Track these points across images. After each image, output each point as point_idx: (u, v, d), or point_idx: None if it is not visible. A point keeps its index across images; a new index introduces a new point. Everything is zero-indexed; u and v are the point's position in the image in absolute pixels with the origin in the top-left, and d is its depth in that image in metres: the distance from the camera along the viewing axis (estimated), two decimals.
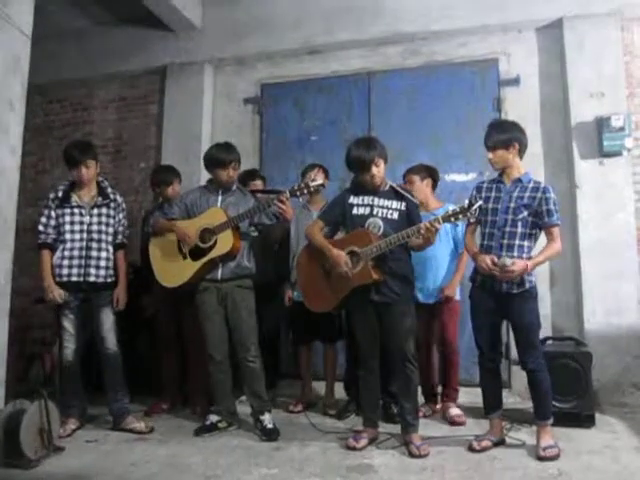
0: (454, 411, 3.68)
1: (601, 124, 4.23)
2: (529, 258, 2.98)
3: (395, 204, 3.19)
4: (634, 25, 4.52)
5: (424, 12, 4.77)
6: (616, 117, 4.18)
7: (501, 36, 4.76)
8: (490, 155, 3.09)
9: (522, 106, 4.52)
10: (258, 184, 4.23)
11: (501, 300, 3.02)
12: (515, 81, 4.68)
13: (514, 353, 3.52)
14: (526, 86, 4.66)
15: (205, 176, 3.74)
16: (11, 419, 2.91)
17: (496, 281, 3.00)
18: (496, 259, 2.94)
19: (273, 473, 2.83)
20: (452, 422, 3.60)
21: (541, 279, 3.90)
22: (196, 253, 3.49)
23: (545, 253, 3.01)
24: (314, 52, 5.15)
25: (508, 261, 2.89)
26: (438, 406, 3.82)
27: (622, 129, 4.17)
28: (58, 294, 3.44)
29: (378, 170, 3.16)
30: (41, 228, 3.54)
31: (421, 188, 3.79)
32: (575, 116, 4.39)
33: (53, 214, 3.55)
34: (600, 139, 4.24)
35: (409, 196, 3.22)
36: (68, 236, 3.52)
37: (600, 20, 4.41)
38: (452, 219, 2.92)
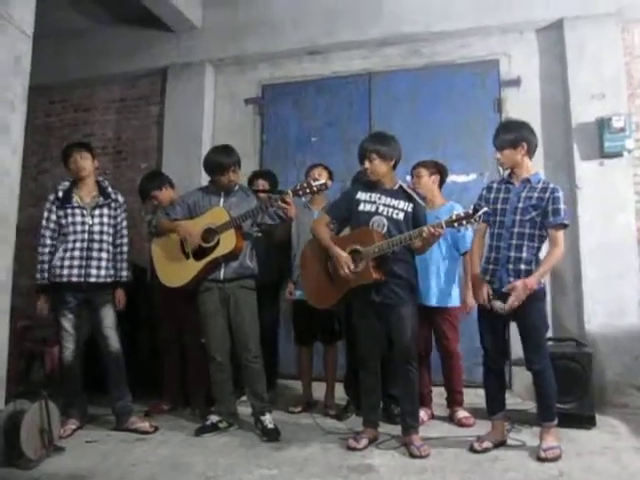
0: (462, 414, 3.67)
1: (602, 125, 4.24)
2: (536, 262, 2.99)
3: (402, 204, 3.18)
4: (634, 26, 4.54)
5: (425, 13, 4.78)
6: (617, 118, 4.19)
7: (502, 37, 4.77)
8: (498, 155, 3.10)
9: (523, 107, 4.51)
10: (260, 184, 4.24)
11: (508, 301, 2.98)
12: (516, 82, 4.69)
13: (515, 353, 3.51)
14: (527, 87, 4.67)
15: (206, 177, 3.74)
16: (11, 419, 2.90)
17: (504, 282, 2.99)
18: (491, 294, 3.01)
19: (274, 473, 2.83)
20: (460, 425, 3.59)
21: None
22: (199, 253, 3.48)
23: (547, 262, 2.98)
24: (315, 53, 5.16)
25: (498, 305, 2.94)
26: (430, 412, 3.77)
27: (623, 130, 4.18)
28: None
29: (371, 165, 3.18)
30: (43, 232, 3.57)
31: (427, 183, 3.78)
32: (576, 117, 4.40)
33: (53, 217, 3.56)
34: (601, 140, 4.25)
35: (418, 199, 3.21)
36: (71, 237, 3.52)
37: (600, 21, 4.41)
38: (456, 224, 2.90)
